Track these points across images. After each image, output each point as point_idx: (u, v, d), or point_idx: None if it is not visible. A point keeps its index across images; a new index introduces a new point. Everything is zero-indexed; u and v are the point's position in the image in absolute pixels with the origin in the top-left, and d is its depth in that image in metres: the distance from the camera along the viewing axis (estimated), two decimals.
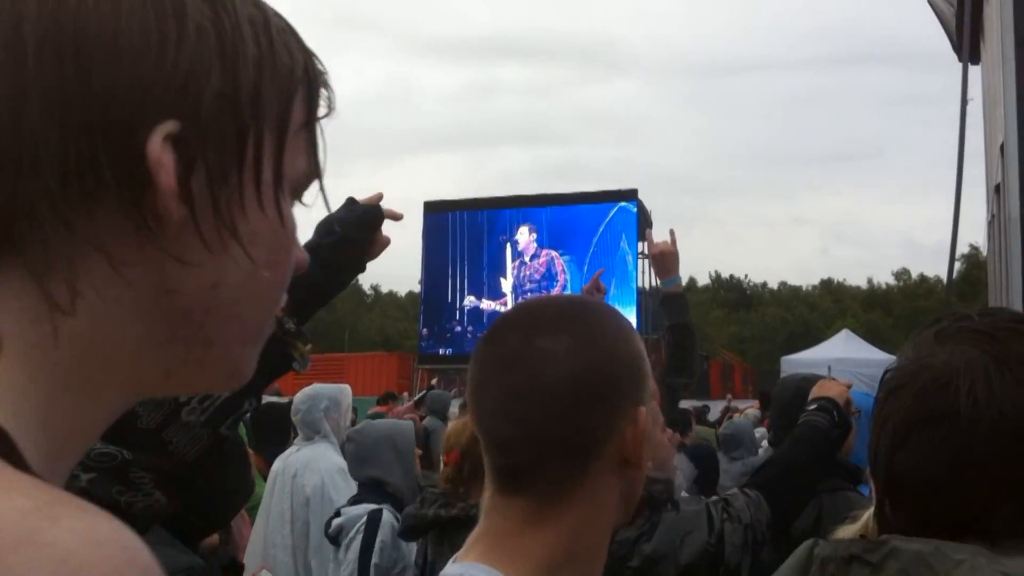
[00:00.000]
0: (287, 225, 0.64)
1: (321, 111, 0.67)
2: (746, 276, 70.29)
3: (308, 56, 0.65)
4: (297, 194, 0.66)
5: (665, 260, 3.35)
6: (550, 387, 1.01)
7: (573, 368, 1.01)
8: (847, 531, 1.53)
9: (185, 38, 0.57)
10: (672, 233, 3.49)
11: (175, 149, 0.56)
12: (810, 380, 3.39)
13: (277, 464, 4.56)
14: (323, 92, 0.67)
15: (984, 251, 17.68)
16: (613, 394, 1.03)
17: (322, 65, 0.67)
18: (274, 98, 0.61)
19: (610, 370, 1.03)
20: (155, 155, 0.55)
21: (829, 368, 14.98)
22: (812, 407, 2.54)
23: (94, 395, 0.57)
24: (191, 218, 0.57)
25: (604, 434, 1.02)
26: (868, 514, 1.54)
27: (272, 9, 0.64)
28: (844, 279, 69.88)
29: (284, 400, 5.93)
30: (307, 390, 4.76)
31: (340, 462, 4.31)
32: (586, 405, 1.01)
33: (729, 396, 14.55)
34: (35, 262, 0.55)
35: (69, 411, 0.56)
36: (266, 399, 8.66)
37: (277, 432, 5.04)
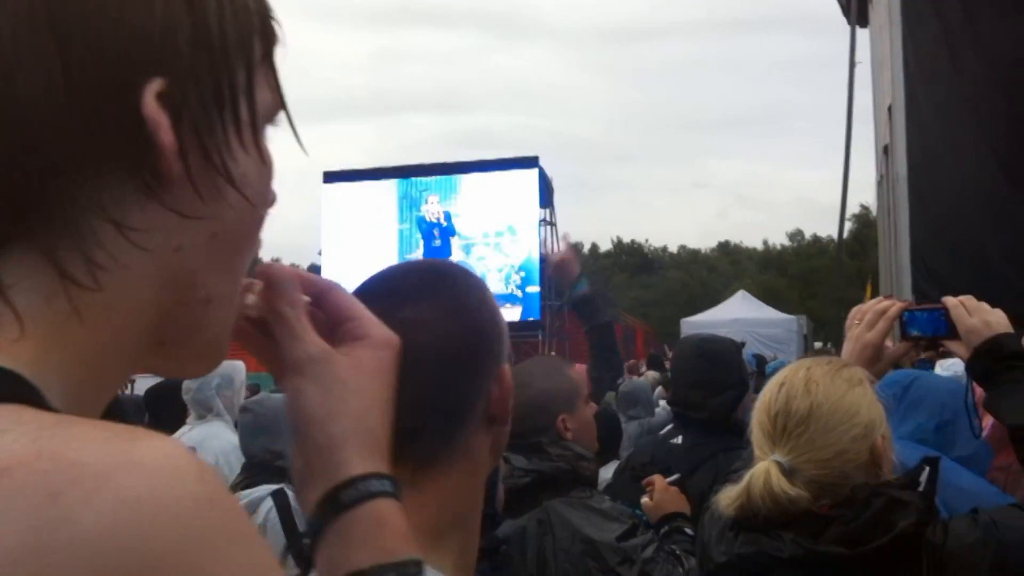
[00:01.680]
0: (267, 161, 0.65)
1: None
2: (647, 240, 71.30)
3: None
4: (265, 126, 0.67)
5: (566, 268, 3.43)
6: (418, 355, 0.98)
7: (439, 334, 1.01)
8: (731, 491, 1.55)
9: None
10: (567, 239, 3.65)
11: (164, 105, 0.56)
12: (706, 340, 3.43)
13: None
14: (272, 22, 0.67)
15: (874, 210, 18.25)
16: (479, 356, 1.03)
17: None
18: (237, 37, 0.61)
19: (475, 333, 1.03)
20: (152, 114, 0.56)
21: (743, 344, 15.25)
22: None
23: (105, 369, 0.58)
24: (186, 171, 0.58)
25: (474, 395, 1.03)
26: (750, 473, 1.55)
27: None
28: (741, 241, 71.41)
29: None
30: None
31: (235, 440, 4.18)
32: (456, 370, 1.02)
33: (632, 360, 14.67)
34: (47, 240, 0.55)
35: (84, 384, 0.57)
36: (154, 379, 8.42)
37: (171, 411, 4.85)
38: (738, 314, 21.83)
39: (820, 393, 1.58)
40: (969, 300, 1.84)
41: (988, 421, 2.28)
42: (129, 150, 0.56)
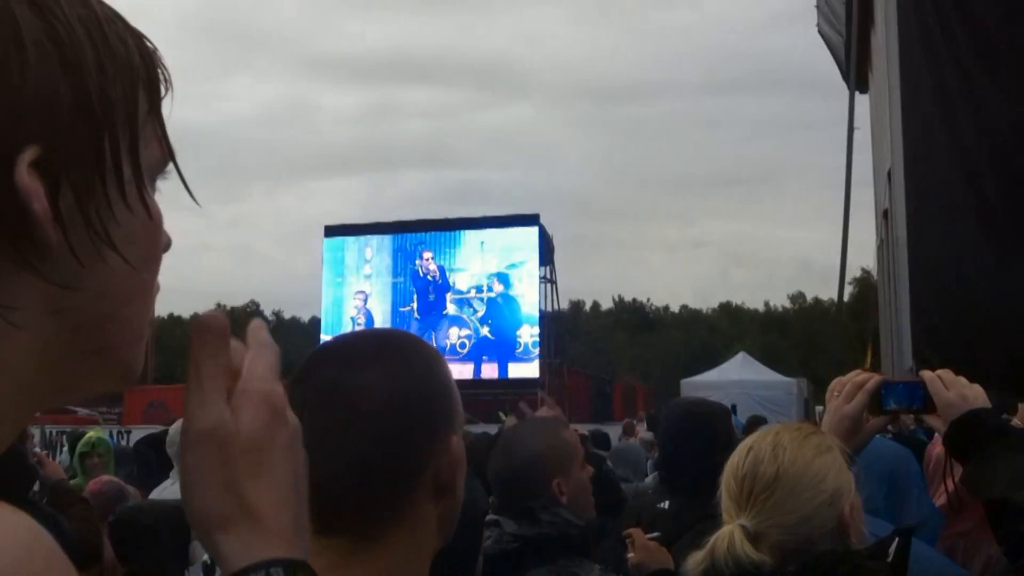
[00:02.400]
0: (154, 217, 0.64)
1: (161, 91, 0.66)
2: (648, 299, 71.46)
3: (139, 39, 0.64)
4: (153, 181, 0.66)
5: None
6: (365, 420, 1.00)
7: (387, 400, 1.01)
8: (697, 555, 1.53)
9: (26, 59, 0.55)
10: (545, 401, 3.66)
11: (40, 173, 0.55)
12: (696, 404, 3.40)
13: (152, 497, 4.36)
14: (159, 72, 0.65)
15: (875, 273, 18.29)
16: (428, 423, 1.03)
17: (152, 43, 0.65)
18: (120, 95, 0.60)
19: (424, 400, 1.03)
20: (25, 185, 0.54)
21: (734, 407, 15.19)
22: None
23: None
24: (65, 238, 0.56)
25: (420, 464, 1.02)
26: (714, 537, 1.54)
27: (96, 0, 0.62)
28: (743, 302, 71.51)
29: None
30: (180, 422, 4.58)
31: None
32: (402, 436, 1.01)
33: (628, 420, 14.61)
34: None
35: None
36: (148, 431, 8.38)
37: (159, 462, 4.83)
38: (739, 375, 21.80)
39: (787, 458, 1.57)
40: (946, 374, 1.85)
41: (940, 487, 2.27)
42: (4, 223, 0.55)
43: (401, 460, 1.01)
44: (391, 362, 1.03)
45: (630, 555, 2.53)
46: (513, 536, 2.26)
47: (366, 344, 1.09)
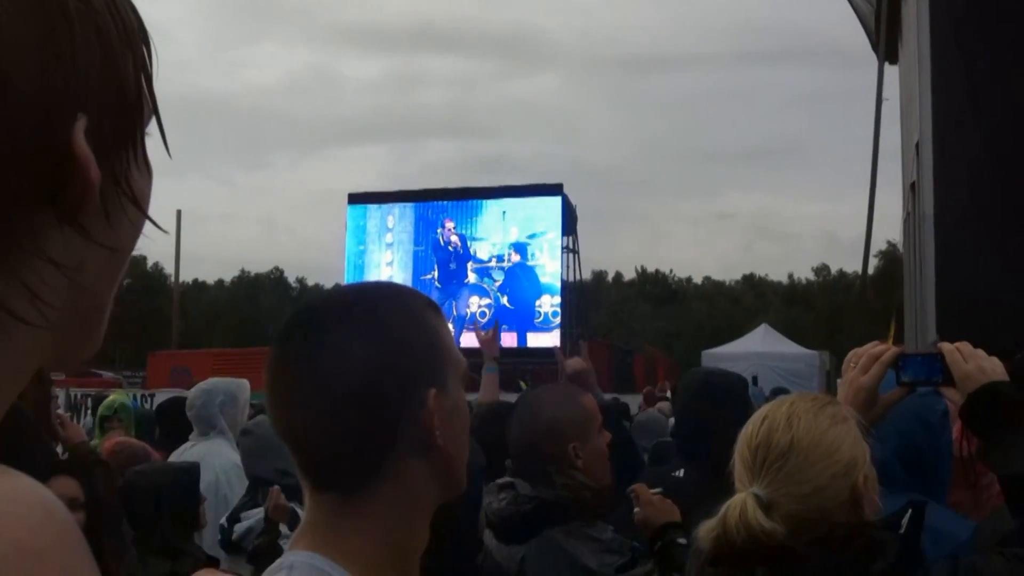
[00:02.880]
0: (150, 171, 0.66)
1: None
2: (671, 271, 71.21)
3: (134, 8, 0.66)
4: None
5: (583, 379, 3.37)
6: (334, 380, 1.02)
7: (357, 358, 1.02)
8: (709, 523, 1.53)
9: (73, 32, 0.57)
10: (583, 347, 3.59)
11: (88, 140, 0.57)
12: (711, 374, 3.40)
13: (171, 460, 4.39)
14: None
15: (901, 247, 18.12)
16: (399, 381, 1.03)
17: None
18: (131, 59, 0.62)
19: (395, 356, 1.04)
20: (84, 154, 0.56)
21: (754, 378, 15.13)
22: None
23: (14, 385, 0.60)
24: (101, 200, 0.59)
25: (396, 421, 1.03)
26: (726, 505, 1.54)
27: None
28: (766, 274, 71.16)
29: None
30: (202, 384, 4.62)
31: (236, 458, 4.18)
32: (371, 394, 1.02)
33: (648, 388, 14.57)
34: None
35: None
36: (173, 393, 8.43)
37: (181, 425, 4.86)
38: (760, 348, 21.72)
39: (801, 428, 1.56)
40: (965, 346, 1.83)
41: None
42: (57, 186, 0.57)
43: (372, 419, 1.02)
44: (360, 320, 1.04)
45: (636, 510, 2.53)
46: (528, 498, 2.28)
47: (338, 302, 1.09)
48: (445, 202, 23.12)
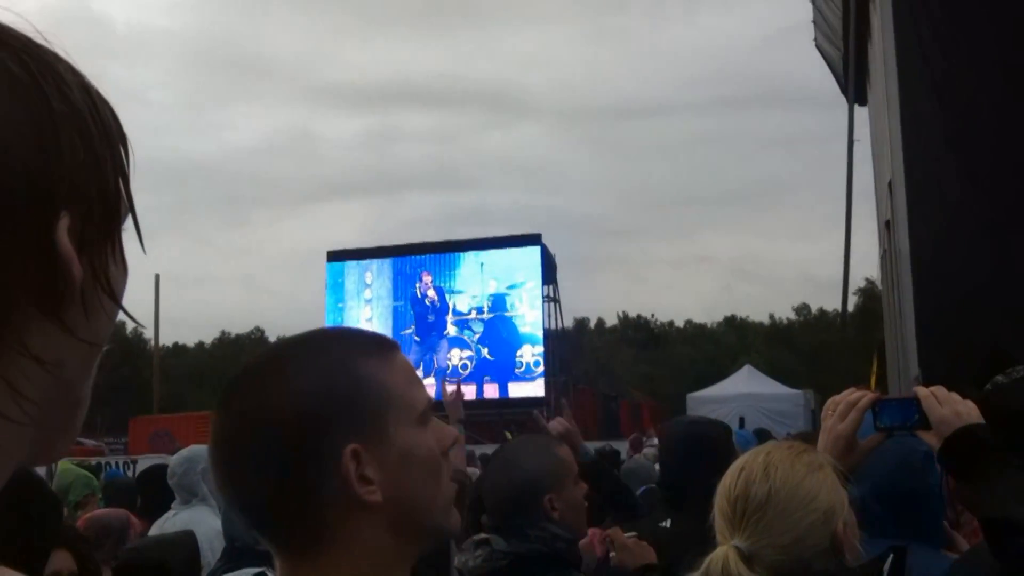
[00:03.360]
0: (126, 266, 0.67)
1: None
2: (653, 315, 71.33)
3: (104, 99, 0.67)
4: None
5: (569, 439, 3.37)
6: (256, 440, 1.00)
7: (272, 417, 1.00)
8: None
9: (56, 127, 0.59)
10: (565, 406, 3.60)
11: (71, 237, 0.58)
12: (698, 424, 3.40)
13: (154, 530, 4.35)
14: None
15: (879, 284, 18.28)
16: (316, 435, 1.00)
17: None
18: (110, 154, 0.63)
19: (307, 413, 1.00)
20: (67, 252, 0.58)
21: (741, 420, 15.10)
22: None
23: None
24: (81, 294, 0.59)
25: (318, 476, 1.00)
26: (709, 559, 1.53)
27: (76, 68, 0.65)
28: (748, 315, 71.38)
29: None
30: (184, 452, 4.58)
31: (219, 526, 4.12)
32: (290, 451, 0.99)
33: (635, 434, 14.53)
34: None
35: None
36: (154, 460, 8.36)
37: (162, 494, 4.79)
38: (744, 388, 21.77)
39: (779, 478, 1.56)
40: (940, 390, 1.84)
41: None
42: (43, 283, 0.58)
43: (294, 477, 0.99)
44: (280, 376, 1.02)
45: (612, 555, 2.50)
46: (503, 553, 2.26)
47: (258, 360, 1.07)
48: (423, 256, 23.15)
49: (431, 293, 22.74)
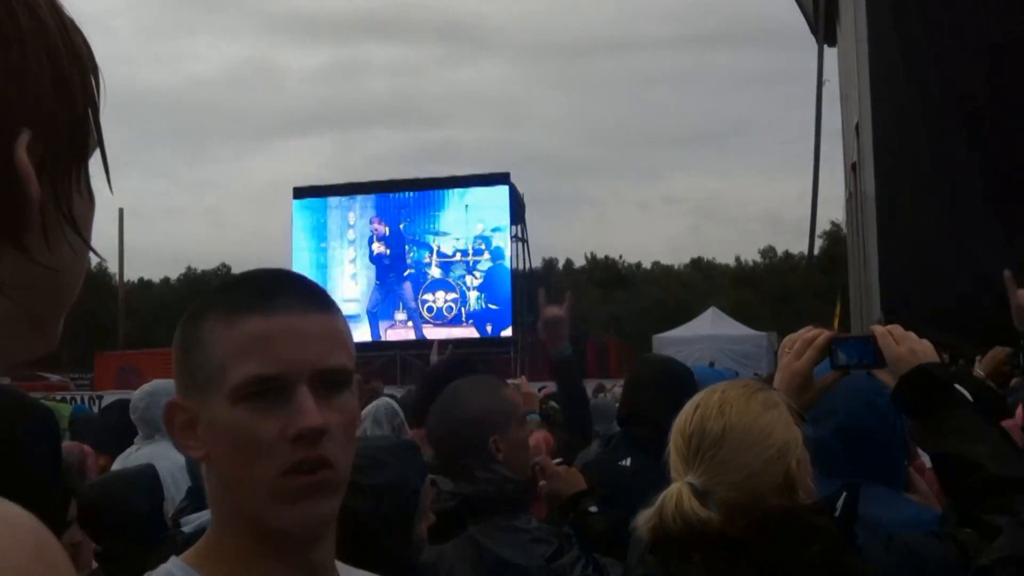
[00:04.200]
0: (93, 201, 0.67)
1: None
2: (620, 256, 71.54)
3: (79, 30, 0.66)
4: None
5: (558, 328, 3.32)
6: None
7: None
8: (647, 512, 1.54)
9: (23, 44, 0.58)
10: (570, 298, 3.55)
11: (30, 156, 0.58)
12: (659, 361, 3.41)
13: (116, 465, 4.34)
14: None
15: (844, 227, 18.39)
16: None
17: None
18: (81, 81, 0.63)
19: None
20: (25, 167, 0.57)
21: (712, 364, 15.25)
22: None
23: None
24: (42, 220, 0.59)
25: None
26: (663, 495, 1.54)
27: None
28: (714, 257, 71.73)
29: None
30: (146, 387, 4.56)
31: (181, 461, 4.12)
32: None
33: (598, 381, 14.64)
34: None
35: None
36: (120, 395, 8.32)
37: (123, 430, 4.77)
38: (709, 331, 21.97)
39: (733, 414, 1.57)
40: (896, 329, 1.85)
41: None
42: (3, 202, 0.58)
43: None
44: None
45: (542, 483, 2.51)
46: (451, 494, 2.26)
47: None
48: (392, 194, 23.00)
49: (383, 229, 22.68)
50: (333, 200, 23.14)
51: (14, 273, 0.60)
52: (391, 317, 22.54)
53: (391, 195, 23.01)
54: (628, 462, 3.14)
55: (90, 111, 0.65)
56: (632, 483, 2.94)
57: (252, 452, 1.00)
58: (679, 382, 3.24)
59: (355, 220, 22.96)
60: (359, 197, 23.11)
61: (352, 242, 22.97)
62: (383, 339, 22.29)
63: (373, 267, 22.63)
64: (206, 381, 1.02)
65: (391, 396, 5.71)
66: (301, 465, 1.00)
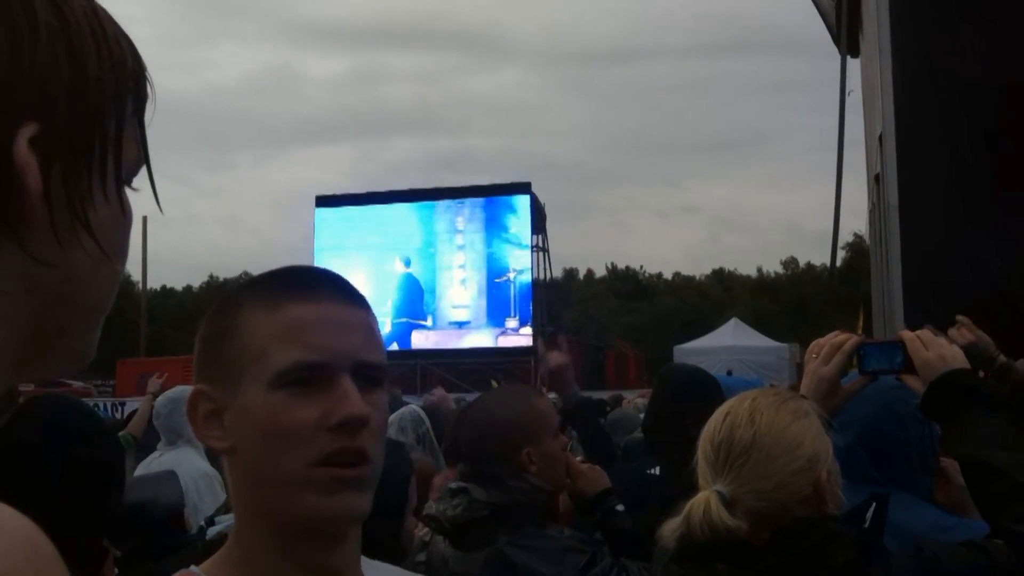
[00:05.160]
0: (127, 213, 0.66)
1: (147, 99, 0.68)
2: (641, 267, 71.37)
3: (131, 44, 0.66)
4: (128, 181, 0.67)
5: (562, 374, 3.30)
6: None
7: None
8: (674, 521, 1.54)
9: (37, 39, 0.57)
10: (563, 342, 3.53)
11: (36, 150, 0.57)
12: (683, 371, 3.40)
13: (139, 471, 4.35)
14: (147, 81, 0.68)
15: (867, 238, 18.25)
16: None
17: (142, 57, 0.68)
18: (112, 89, 0.62)
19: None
20: (23, 158, 0.56)
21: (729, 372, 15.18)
22: None
23: None
24: (48, 216, 0.58)
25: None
26: (690, 503, 1.54)
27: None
28: (735, 268, 71.52)
29: None
30: (169, 393, 4.59)
31: (205, 467, 4.16)
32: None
33: (616, 392, 14.61)
34: None
35: None
36: (138, 402, 8.35)
37: (149, 436, 4.82)
38: (730, 341, 21.89)
39: (763, 423, 1.56)
40: (925, 334, 1.84)
41: None
42: None
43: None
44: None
45: (568, 480, 2.50)
46: (483, 503, 2.25)
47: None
48: (414, 203, 23.03)
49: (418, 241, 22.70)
50: (345, 209, 23.20)
51: (12, 268, 0.59)
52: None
53: (409, 204, 23.03)
54: (657, 470, 3.12)
55: (129, 119, 0.65)
56: (659, 491, 2.93)
57: (289, 439, 0.98)
58: (704, 391, 3.22)
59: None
60: (375, 206, 23.17)
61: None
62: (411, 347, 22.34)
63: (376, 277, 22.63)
64: (241, 369, 1.00)
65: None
66: (339, 455, 0.98)
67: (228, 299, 1.06)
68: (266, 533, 1.01)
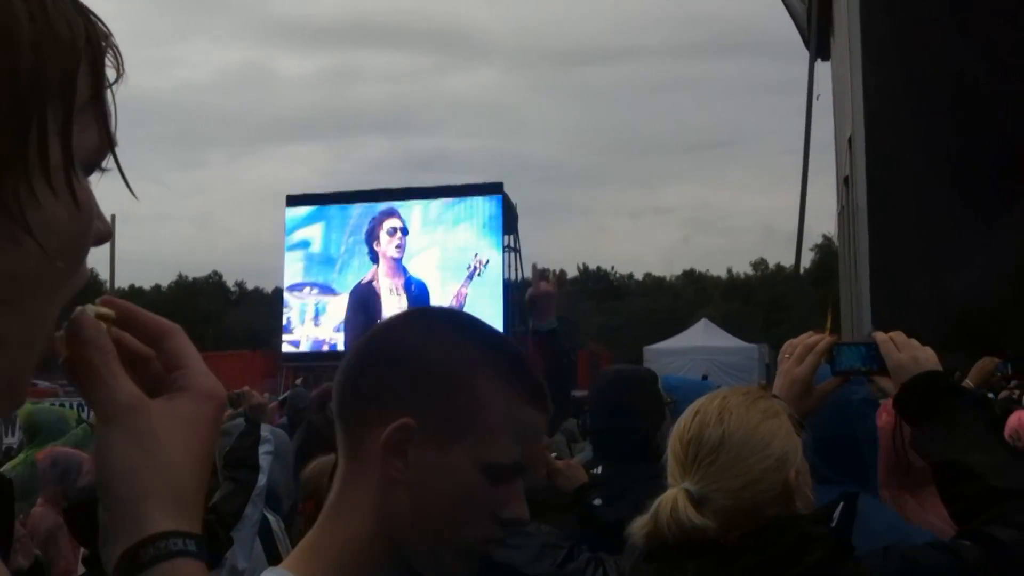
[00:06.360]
0: (82, 206, 0.61)
1: (112, 76, 0.64)
2: (613, 268, 71.61)
3: (89, 22, 0.62)
4: (90, 170, 0.64)
5: (544, 303, 3.29)
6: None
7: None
8: (642, 519, 1.53)
9: None
10: (562, 276, 3.50)
11: None
12: (621, 370, 3.44)
13: None
14: (110, 57, 0.64)
15: (836, 240, 18.42)
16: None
17: (105, 27, 0.64)
18: (55, 76, 0.58)
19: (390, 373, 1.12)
20: None
21: (705, 376, 15.25)
22: None
23: None
24: None
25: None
26: (658, 500, 1.53)
27: None
28: (707, 269, 71.84)
29: None
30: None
31: None
32: None
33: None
34: None
35: None
36: None
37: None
38: (700, 342, 21.98)
39: (733, 422, 1.56)
40: (899, 336, 1.84)
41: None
42: None
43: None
44: (424, 328, 1.16)
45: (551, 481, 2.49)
46: None
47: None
48: (386, 203, 22.96)
49: (398, 240, 22.65)
50: (317, 209, 23.09)
51: None
52: None
53: (381, 204, 22.94)
54: (599, 470, 3.12)
55: (85, 104, 0.61)
56: (605, 490, 2.93)
57: (467, 514, 1.05)
58: (637, 391, 3.20)
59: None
60: (346, 205, 23.08)
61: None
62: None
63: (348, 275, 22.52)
64: (464, 431, 1.05)
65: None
66: (495, 540, 1.08)
67: (458, 350, 1.09)
68: (375, 559, 1.07)
